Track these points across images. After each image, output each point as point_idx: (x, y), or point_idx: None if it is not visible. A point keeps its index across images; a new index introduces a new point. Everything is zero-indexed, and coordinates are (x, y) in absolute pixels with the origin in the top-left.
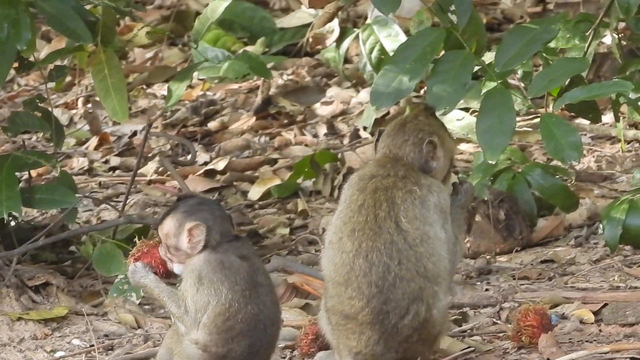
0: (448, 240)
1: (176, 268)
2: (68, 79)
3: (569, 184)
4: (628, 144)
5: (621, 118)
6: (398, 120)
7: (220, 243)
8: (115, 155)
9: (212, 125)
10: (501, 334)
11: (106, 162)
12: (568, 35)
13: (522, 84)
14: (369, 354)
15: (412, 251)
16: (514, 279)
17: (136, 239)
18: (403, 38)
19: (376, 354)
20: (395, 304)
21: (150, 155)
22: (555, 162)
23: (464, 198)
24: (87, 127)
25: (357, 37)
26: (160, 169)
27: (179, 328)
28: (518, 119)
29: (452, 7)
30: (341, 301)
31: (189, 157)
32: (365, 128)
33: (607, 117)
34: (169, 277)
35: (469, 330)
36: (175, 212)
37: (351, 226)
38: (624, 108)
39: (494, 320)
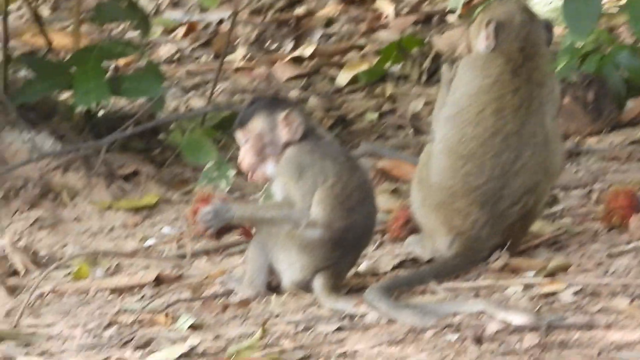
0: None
1: (271, 168)
2: None
3: None
4: None
5: None
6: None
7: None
8: (203, 43)
9: (299, 11)
10: (591, 216)
11: (193, 50)
12: None
13: None
14: (473, 237)
15: (545, 148)
16: (604, 160)
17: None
18: None
19: (480, 237)
20: (510, 191)
21: (237, 42)
22: None
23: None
24: (173, 16)
25: None
26: (248, 56)
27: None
28: (605, 0)
29: None
30: (454, 176)
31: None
32: (452, 11)
33: None
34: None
35: (559, 212)
36: (259, 111)
37: (501, 104)
38: None
39: (584, 201)
